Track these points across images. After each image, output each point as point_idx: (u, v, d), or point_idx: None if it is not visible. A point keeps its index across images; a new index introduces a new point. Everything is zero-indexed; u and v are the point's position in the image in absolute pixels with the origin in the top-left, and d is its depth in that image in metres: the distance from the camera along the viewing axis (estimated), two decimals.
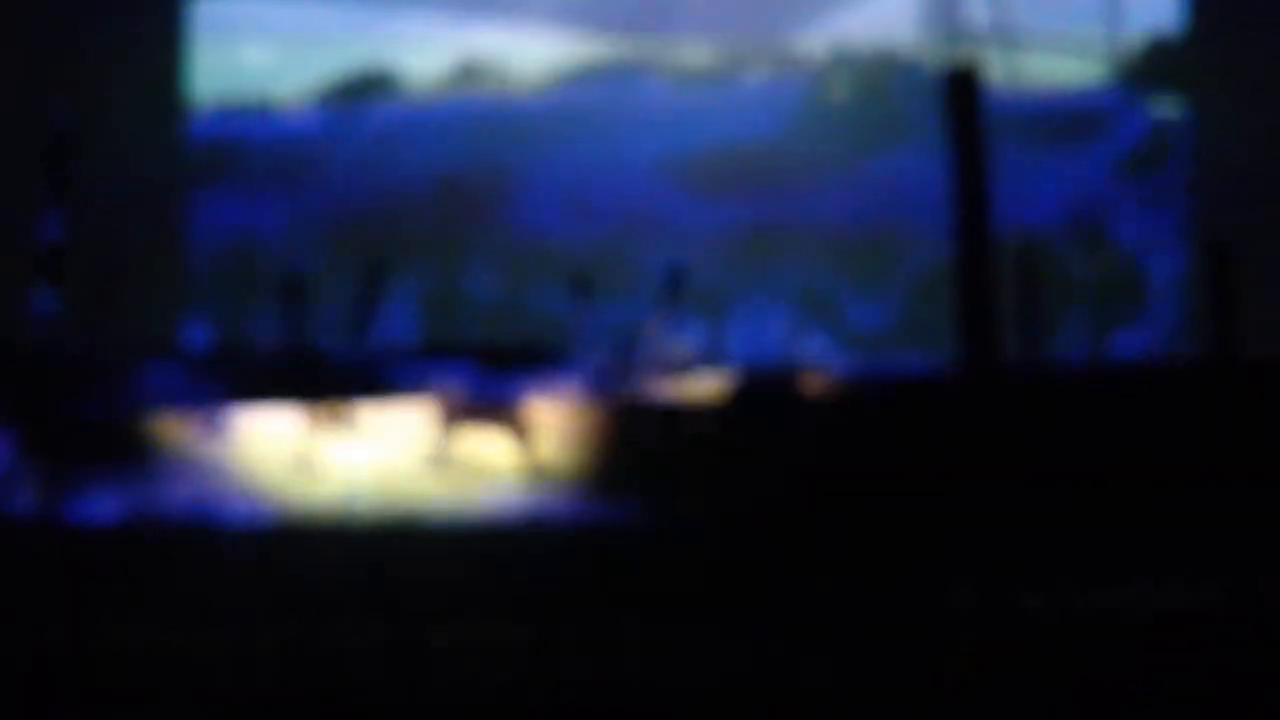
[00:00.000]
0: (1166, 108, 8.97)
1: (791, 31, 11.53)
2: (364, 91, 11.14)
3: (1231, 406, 2.98)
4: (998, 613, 2.88)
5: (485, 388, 5.61)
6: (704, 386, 5.89)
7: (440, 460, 3.06)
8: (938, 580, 2.97)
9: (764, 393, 3.61)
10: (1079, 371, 5.69)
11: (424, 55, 11.50)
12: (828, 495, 2.96)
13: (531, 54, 11.47)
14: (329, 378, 5.48)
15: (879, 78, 9.55)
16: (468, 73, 11.50)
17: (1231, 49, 8.00)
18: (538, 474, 3.02)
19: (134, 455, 3.07)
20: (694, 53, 11.36)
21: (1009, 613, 2.82)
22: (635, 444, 3.02)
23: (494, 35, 11.37)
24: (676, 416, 3.09)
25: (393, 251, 8.37)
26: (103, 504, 3.05)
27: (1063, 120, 8.48)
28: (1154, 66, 9.06)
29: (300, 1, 10.73)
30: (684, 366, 6.32)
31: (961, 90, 2.78)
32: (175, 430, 3.13)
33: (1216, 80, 8.10)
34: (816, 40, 11.45)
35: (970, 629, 2.75)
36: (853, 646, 2.90)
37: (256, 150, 10.49)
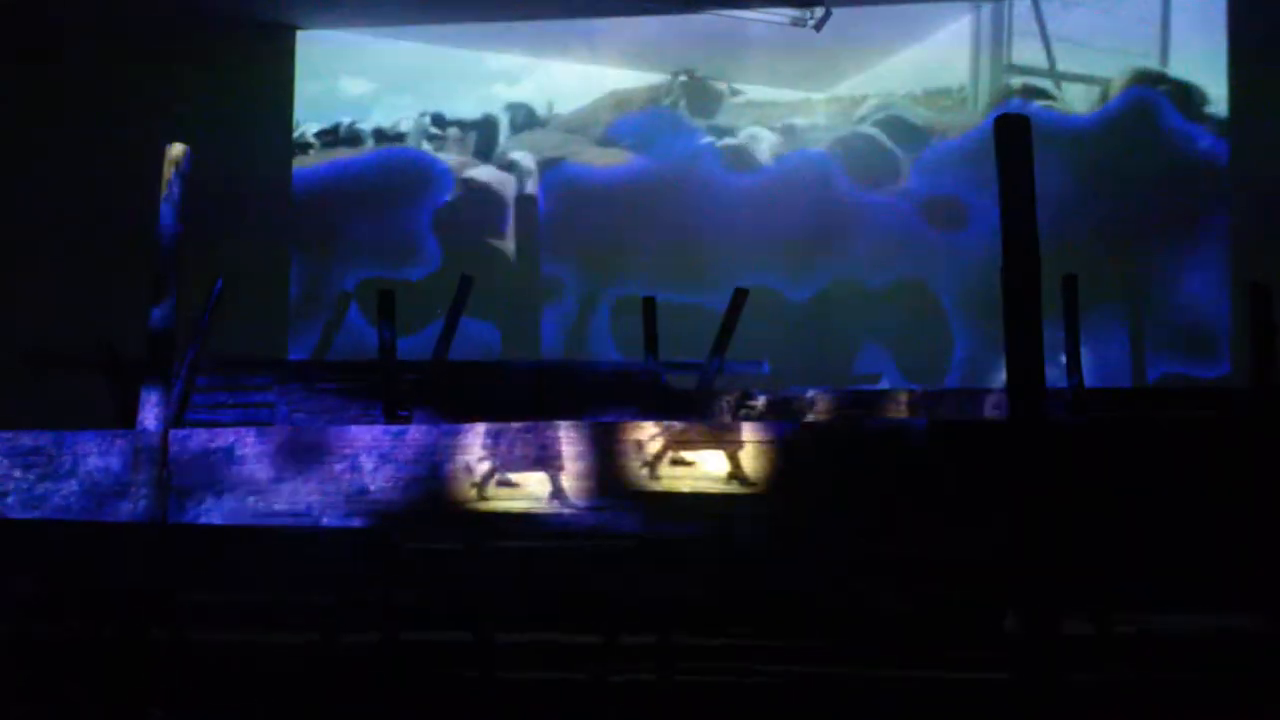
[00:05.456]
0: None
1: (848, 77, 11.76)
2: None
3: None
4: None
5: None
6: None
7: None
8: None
9: None
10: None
11: (511, 88, 11.85)
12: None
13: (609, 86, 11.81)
14: None
15: None
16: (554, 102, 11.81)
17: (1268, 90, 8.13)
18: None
19: None
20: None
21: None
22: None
23: (574, 68, 11.73)
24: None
25: None
26: None
27: None
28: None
29: (395, 35, 11.07)
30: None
31: (1011, 132, 2.87)
32: None
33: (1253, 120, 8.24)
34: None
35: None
36: None
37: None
